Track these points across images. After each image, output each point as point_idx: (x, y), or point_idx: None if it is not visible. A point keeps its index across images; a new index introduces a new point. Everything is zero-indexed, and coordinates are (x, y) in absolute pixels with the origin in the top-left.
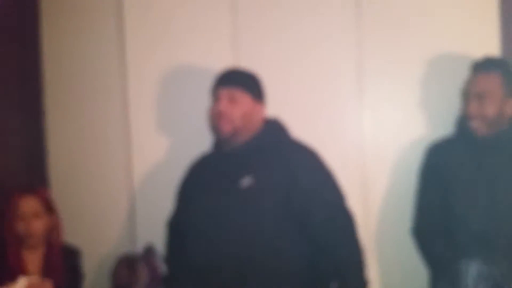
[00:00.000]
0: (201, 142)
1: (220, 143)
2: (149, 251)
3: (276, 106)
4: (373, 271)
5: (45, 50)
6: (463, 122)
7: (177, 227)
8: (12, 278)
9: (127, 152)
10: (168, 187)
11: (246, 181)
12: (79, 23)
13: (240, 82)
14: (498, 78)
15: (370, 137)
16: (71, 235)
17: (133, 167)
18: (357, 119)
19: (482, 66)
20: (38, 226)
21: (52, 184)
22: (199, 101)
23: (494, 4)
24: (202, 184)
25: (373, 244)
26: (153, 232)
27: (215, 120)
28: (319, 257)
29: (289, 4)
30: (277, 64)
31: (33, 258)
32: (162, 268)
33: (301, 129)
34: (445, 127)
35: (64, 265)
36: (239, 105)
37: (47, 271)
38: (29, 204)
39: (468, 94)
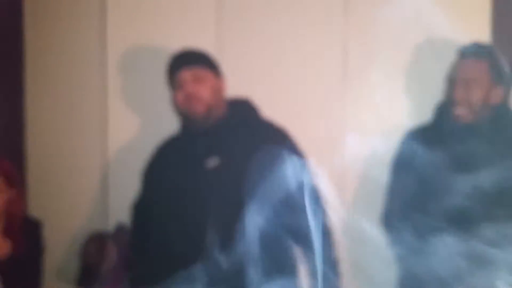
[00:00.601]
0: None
1: (188, 125)
2: (120, 230)
3: (259, 91)
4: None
5: (27, 28)
6: (444, 109)
7: (144, 209)
8: None
9: (103, 130)
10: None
11: (212, 161)
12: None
13: (199, 60)
14: (485, 64)
15: (353, 123)
16: (44, 210)
17: (108, 146)
18: (341, 105)
19: (470, 52)
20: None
21: (29, 160)
22: None
23: None
24: (170, 166)
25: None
26: (126, 211)
27: (186, 103)
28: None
29: None
30: (261, 48)
31: None
32: None
33: (283, 113)
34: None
35: (24, 237)
36: (207, 83)
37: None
38: None
39: (455, 80)
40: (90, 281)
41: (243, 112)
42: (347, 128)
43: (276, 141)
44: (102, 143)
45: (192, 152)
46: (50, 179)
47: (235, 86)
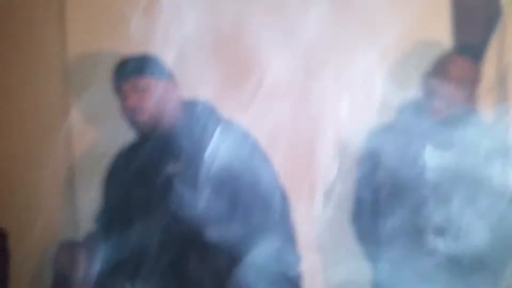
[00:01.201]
0: None
1: (139, 132)
2: (90, 238)
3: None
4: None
5: None
6: (414, 105)
7: (106, 221)
8: None
9: (67, 135)
10: None
11: (170, 167)
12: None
13: (139, 69)
14: (475, 65)
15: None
16: (10, 220)
17: (73, 152)
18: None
19: (467, 51)
20: None
21: None
22: None
23: None
24: (129, 174)
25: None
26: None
27: (130, 115)
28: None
29: None
30: None
31: None
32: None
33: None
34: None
35: None
36: (148, 93)
37: None
38: None
39: (445, 74)
40: None
41: (199, 113)
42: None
43: (236, 141)
44: (67, 149)
45: (151, 158)
46: (15, 189)
47: None
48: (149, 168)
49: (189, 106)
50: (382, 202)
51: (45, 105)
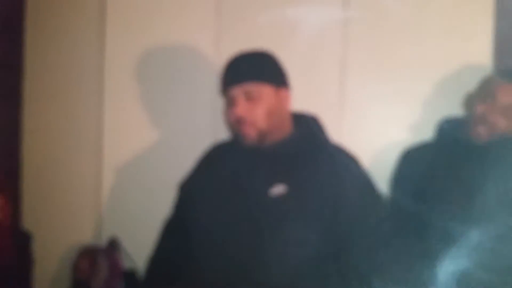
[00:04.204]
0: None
1: (242, 143)
2: (112, 245)
3: None
4: None
5: (28, 40)
6: (453, 126)
7: (178, 228)
8: None
9: (99, 145)
10: (137, 185)
11: (277, 189)
12: (61, 11)
13: (253, 73)
14: None
15: (350, 137)
16: (37, 223)
17: (104, 161)
18: (338, 116)
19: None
20: None
21: (24, 174)
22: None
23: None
24: (220, 184)
25: None
26: (120, 227)
27: (236, 127)
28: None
29: None
30: (262, 38)
31: None
32: (125, 263)
33: None
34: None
35: (14, 247)
36: (260, 103)
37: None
38: None
39: (494, 100)
40: None
41: (311, 132)
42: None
43: (348, 169)
44: (97, 157)
45: (253, 174)
46: (45, 193)
47: None
48: (250, 184)
49: (299, 120)
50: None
51: (78, 109)
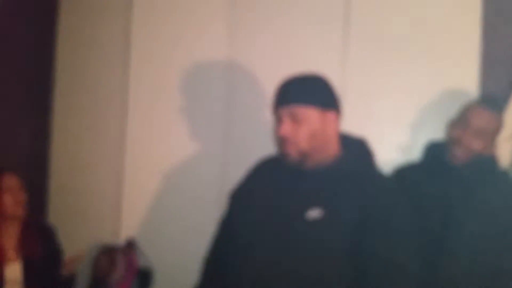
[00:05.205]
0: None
1: (290, 164)
2: (129, 245)
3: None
4: None
5: (58, 56)
6: (436, 148)
7: (229, 233)
8: None
9: (121, 150)
10: (154, 190)
11: (313, 213)
12: (89, 28)
13: (299, 96)
14: (498, 118)
15: None
16: (62, 222)
17: (125, 164)
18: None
19: (490, 103)
20: (24, 198)
21: (52, 179)
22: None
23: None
24: (262, 200)
25: None
26: (136, 227)
27: (280, 145)
28: None
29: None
30: (271, 60)
31: (9, 234)
32: (141, 262)
33: None
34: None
35: (40, 240)
36: (304, 124)
37: (23, 245)
38: (12, 179)
39: (466, 124)
40: None
41: (358, 158)
42: None
43: (391, 199)
44: (119, 161)
45: (293, 196)
46: (70, 195)
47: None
48: (290, 205)
49: (347, 143)
50: None
51: (104, 120)
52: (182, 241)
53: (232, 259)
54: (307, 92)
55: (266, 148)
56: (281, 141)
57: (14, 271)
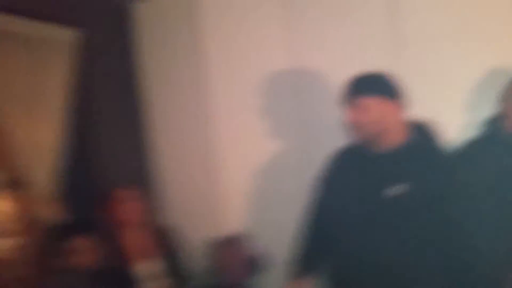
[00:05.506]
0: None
1: (364, 146)
2: (237, 237)
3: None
4: None
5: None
6: (494, 122)
7: (320, 217)
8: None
9: (213, 156)
10: (247, 185)
11: (397, 188)
12: (170, 49)
13: (364, 88)
14: None
15: None
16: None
17: (218, 168)
18: None
19: None
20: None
21: (158, 188)
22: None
23: None
24: (347, 186)
25: None
26: (238, 222)
27: (348, 128)
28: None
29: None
30: (333, 62)
31: (134, 238)
32: (253, 253)
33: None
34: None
35: (159, 242)
36: (367, 112)
37: (146, 248)
38: (130, 191)
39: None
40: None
41: (426, 137)
42: None
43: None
44: (213, 165)
45: (375, 176)
46: (190, 190)
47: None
48: (373, 185)
49: (414, 127)
50: None
51: (191, 125)
52: (278, 223)
53: (330, 231)
54: (371, 85)
55: (334, 138)
56: (349, 126)
57: (148, 267)
